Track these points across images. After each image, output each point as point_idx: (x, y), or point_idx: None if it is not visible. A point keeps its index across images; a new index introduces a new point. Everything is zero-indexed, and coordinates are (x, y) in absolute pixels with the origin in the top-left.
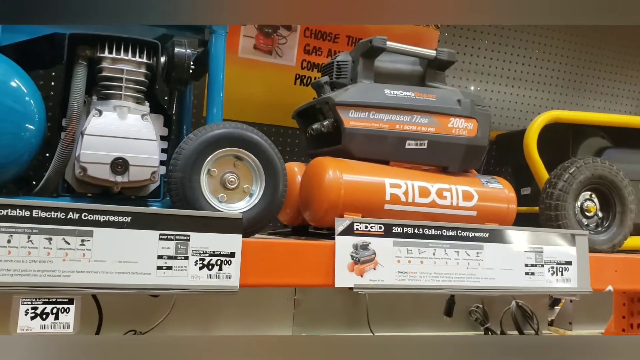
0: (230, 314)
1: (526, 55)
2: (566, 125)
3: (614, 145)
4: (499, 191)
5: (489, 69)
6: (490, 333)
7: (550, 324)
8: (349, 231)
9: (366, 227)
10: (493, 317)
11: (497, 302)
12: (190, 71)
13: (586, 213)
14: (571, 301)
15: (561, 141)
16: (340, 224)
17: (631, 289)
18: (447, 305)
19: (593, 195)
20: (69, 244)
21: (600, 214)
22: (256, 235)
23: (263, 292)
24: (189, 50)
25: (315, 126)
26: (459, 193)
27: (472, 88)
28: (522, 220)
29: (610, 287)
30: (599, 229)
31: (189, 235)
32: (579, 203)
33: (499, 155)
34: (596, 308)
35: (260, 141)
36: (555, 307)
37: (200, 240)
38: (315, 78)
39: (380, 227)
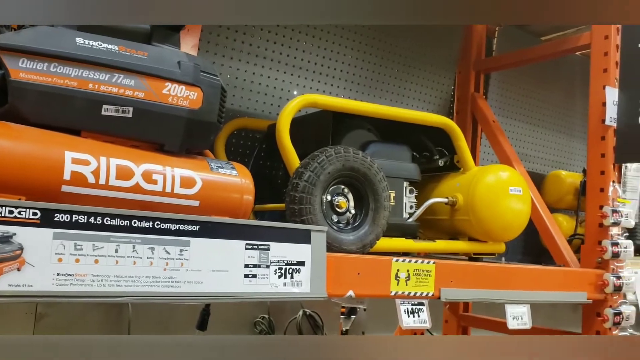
0: None
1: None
2: (329, 115)
3: (381, 140)
4: (233, 179)
5: (264, 52)
6: None
7: (346, 333)
8: None
9: (11, 212)
10: (280, 329)
11: (286, 311)
12: None
13: (337, 209)
14: (365, 310)
15: (323, 132)
16: None
17: (373, 295)
18: (200, 317)
19: (347, 190)
20: None
21: (353, 211)
22: None
23: None
24: None
25: None
26: (175, 178)
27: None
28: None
29: (351, 292)
30: (348, 227)
31: None
32: (328, 197)
33: (271, 147)
34: (388, 315)
35: None
36: (353, 316)
37: None
38: None
39: (35, 213)
